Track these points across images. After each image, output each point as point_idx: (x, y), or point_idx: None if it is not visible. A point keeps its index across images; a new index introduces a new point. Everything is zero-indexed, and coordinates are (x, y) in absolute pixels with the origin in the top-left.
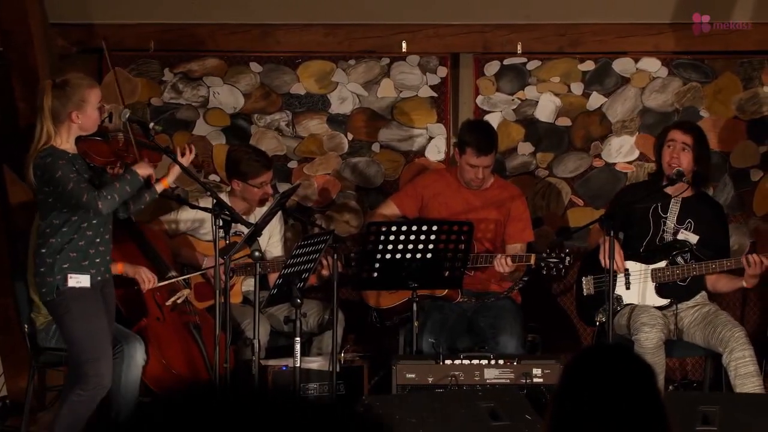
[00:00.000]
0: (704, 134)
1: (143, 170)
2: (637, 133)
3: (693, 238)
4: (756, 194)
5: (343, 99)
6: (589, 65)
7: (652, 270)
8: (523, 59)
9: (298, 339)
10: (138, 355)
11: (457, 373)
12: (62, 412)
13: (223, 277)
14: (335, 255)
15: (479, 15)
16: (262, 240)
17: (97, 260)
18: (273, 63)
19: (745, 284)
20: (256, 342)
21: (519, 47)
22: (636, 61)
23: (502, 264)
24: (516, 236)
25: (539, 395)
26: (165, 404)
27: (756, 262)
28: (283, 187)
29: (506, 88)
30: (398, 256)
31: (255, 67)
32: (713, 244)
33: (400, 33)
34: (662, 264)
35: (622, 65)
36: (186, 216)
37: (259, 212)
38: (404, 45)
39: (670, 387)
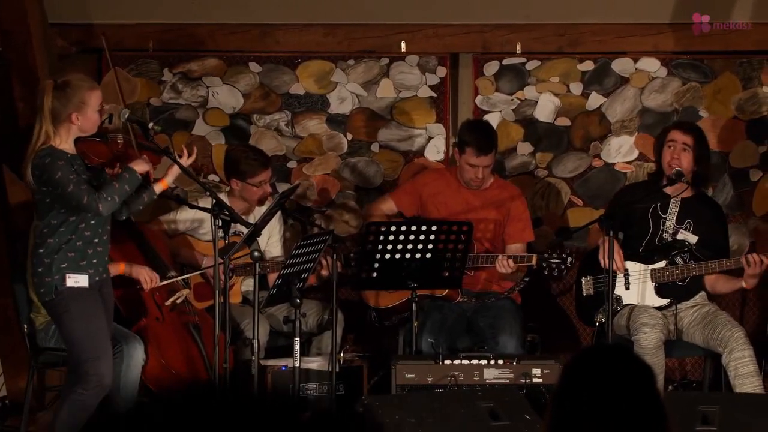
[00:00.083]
0: (704, 135)
1: (140, 167)
2: (637, 133)
3: (692, 239)
4: (755, 194)
5: (343, 99)
6: (588, 65)
7: (651, 270)
8: (523, 59)
9: (297, 339)
10: (137, 355)
11: (456, 373)
12: (62, 412)
13: (222, 277)
14: (334, 255)
15: (479, 15)
16: (262, 240)
17: (95, 260)
18: (272, 63)
19: (744, 285)
20: (255, 342)
21: (518, 47)
22: (635, 61)
23: (504, 265)
24: (516, 236)
25: (539, 395)
26: (164, 404)
27: (756, 261)
28: (282, 187)
29: (505, 88)
30: (398, 256)
31: (254, 67)
32: (712, 244)
33: (400, 33)
34: (662, 264)
35: (621, 65)
36: (185, 216)
37: (259, 212)
38: (403, 45)
39: (670, 387)
